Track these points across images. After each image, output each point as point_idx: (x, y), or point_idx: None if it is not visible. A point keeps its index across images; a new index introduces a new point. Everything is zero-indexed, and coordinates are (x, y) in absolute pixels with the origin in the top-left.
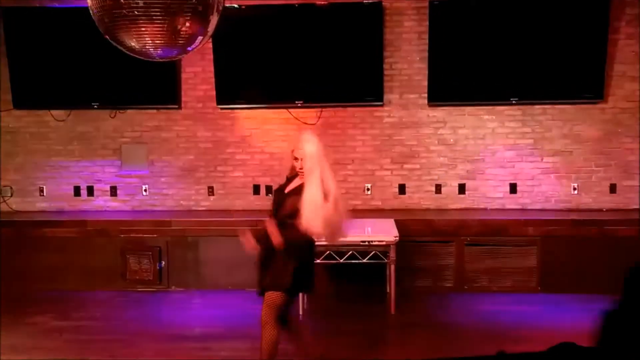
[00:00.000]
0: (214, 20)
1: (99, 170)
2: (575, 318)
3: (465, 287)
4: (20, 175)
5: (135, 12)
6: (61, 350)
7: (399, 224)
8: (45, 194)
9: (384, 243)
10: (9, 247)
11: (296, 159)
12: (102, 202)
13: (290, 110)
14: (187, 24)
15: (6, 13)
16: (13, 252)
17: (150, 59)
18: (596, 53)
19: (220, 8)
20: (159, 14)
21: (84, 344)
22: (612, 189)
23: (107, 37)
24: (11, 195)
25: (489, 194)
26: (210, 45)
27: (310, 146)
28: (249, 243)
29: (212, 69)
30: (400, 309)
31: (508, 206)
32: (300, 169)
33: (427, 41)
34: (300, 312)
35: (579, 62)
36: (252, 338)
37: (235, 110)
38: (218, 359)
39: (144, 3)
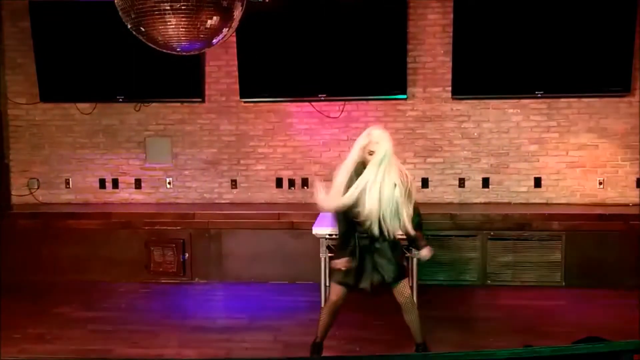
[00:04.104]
0: (238, 13)
1: (123, 163)
2: (600, 313)
3: (488, 281)
4: (46, 168)
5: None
6: (86, 339)
7: (422, 218)
8: (70, 186)
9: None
10: (35, 238)
11: (371, 153)
12: (126, 194)
13: (313, 103)
14: (212, 19)
15: (33, 7)
16: (39, 243)
17: (174, 53)
18: (623, 46)
19: (245, 1)
20: (184, 8)
21: (108, 334)
22: (638, 183)
23: (132, 31)
24: (37, 187)
25: (513, 188)
26: (234, 38)
27: (386, 141)
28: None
29: (235, 62)
30: (422, 302)
31: (532, 200)
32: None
33: (451, 34)
34: (323, 305)
35: (605, 55)
36: (274, 330)
37: (259, 104)
38: (240, 350)
39: None
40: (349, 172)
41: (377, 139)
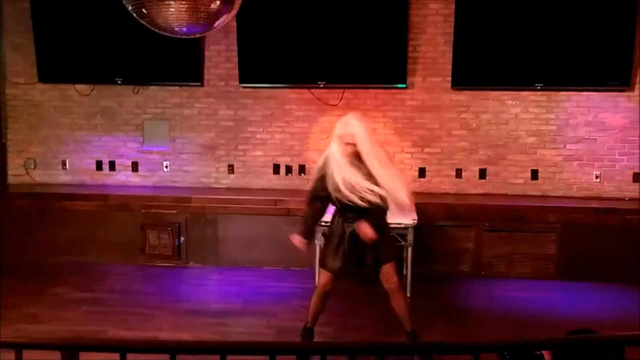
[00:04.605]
0: None
1: (121, 146)
2: (593, 306)
3: (483, 272)
4: (43, 148)
5: None
6: (80, 321)
7: (418, 208)
8: (67, 168)
9: (402, 226)
10: (31, 219)
11: (347, 144)
12: (123, 177)
13: (313, 90)
14: (214, 2)
15: None
16: (35, 223)
17: (175, 35)
18: (624, 40)
19: None
20: None
21: (103, 316)
22: (635, 177)
23: (133, 13)
24: (34, 168)
25: (510, 180)
26: (234, 23)
27: (358, 129)
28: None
29: (235, 47)
30: (417, 292)
31: (529, 192)
32: (352, 152)
33: (452, 24)
34: None
35: (605, 48)
36: (268, 315)
37: (258, 89)
38: (233, 334)
39: None
40: (353, 168)
41: (353, 130)
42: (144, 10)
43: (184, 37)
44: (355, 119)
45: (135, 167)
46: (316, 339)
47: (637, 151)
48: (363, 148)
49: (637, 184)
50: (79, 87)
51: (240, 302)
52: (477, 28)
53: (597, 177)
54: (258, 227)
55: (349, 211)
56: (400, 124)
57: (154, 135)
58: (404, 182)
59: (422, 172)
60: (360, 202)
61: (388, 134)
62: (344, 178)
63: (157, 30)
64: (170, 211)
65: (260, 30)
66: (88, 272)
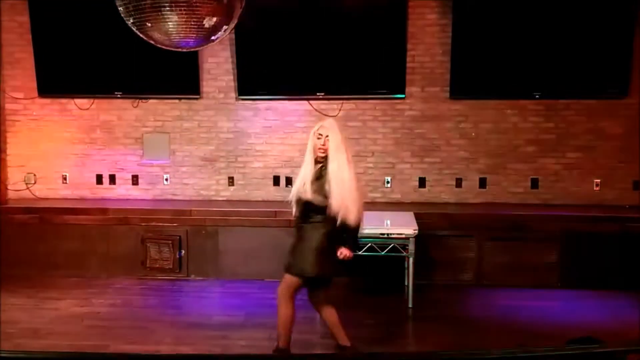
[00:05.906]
0: (237, 10)
1: (121, 159)
2: (595, 314)
3: (485, 281)
4: (43, 163)
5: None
6: (82, 335)
7: (419, 217)
8: (68, 182)
9: (403, 236)
10: (31, 233)
11: (320, 136)
12: (123, 190)
13: (312, 101)
14: (212, 16)
15: (33, 1)
16: (35, 238)
17: (173, 49)
18: (622, 48)
19: None
20: (183, 4)
21: (104, 330)
22: (636, 185)
23: (132, 27)
24: (34, 182)
25: (510, 189)
26: (233, 35)
27: (334, 126)
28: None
29: (234, 59)
30: (418, 302)
31: (529, 201)
32: (323, 146)
33: (450, 34)
34: None
35: (604, 57)
36: (270, 328)
37: (256, 101)
38: (236, 347)
39: None
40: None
41: (327, 125)
42: (148, 23)
43: (183, 50)
44: (332, 120)
45: (135, 180)
46: (319, 351)
47: (637, 159)
48: (331, 143)
49: (637, 191)
50: (79, 101)
51: (242, 315)
52: (474, 38)
53: (597, 185)
54: (259, 239)
55: (306, 211)
56: (400, 134)
57: (154, 148)
58: (359, 195)
59: (422, 182)
60: (312, 200)
61: (388, 145)
62: (302, 176)
63: (156, 44)
64: (171, 224)
65: (258, 42)
66: (89, 286)
